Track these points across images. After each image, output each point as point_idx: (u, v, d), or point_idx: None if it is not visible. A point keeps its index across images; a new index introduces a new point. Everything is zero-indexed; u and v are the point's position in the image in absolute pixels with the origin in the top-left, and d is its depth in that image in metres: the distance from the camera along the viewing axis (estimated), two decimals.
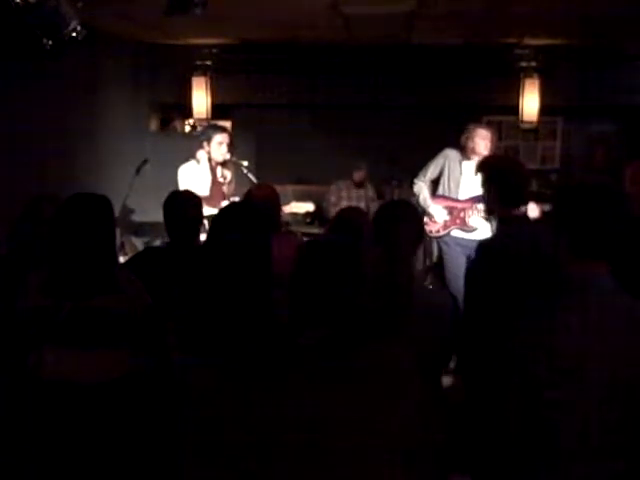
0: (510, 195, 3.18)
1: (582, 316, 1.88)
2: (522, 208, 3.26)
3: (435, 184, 5.55)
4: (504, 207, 3.19)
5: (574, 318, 1.88)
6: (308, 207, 5.32)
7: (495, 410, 1.98)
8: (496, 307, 2.69)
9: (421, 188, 5.47)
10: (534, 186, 7.52)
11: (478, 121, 7.20)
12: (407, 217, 2.89)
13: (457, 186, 5.35)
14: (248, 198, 3.67)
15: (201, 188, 4.69)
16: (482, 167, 3.45)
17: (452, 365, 3.05)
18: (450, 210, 5.37)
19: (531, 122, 7.25)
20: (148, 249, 4.08)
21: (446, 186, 5.41)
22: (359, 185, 7.02)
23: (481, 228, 5.17)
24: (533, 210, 3.59)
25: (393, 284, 2.59)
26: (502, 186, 3.19)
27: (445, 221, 5.37)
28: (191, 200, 3.49)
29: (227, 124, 7.97)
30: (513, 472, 1.96)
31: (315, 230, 6.58)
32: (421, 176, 5.50)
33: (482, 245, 3.26)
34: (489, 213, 3.45)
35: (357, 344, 1.80)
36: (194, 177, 5.06)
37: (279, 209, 3.72)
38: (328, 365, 1.78)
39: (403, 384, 1.79)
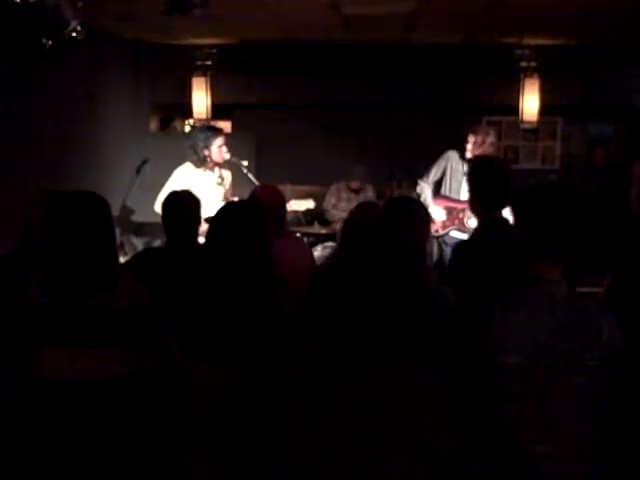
0: (488, 198, 3.20)
1: (520, 314, 1.94)
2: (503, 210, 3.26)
3: (438, 185, 5.59)
4: (483, 209, 3.22)
5: (513, 316, 1.94)
6: (308, 204, 5.31)
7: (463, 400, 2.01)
8: (465, 304, 2.71)
9: (424, 189, 5.54)
10: None
11: (478, 121, 7.23)
12: (420, 212, 2.91)
13: (459, 186, 5.40)
14: (252, 199, 3.66)
15: (197, 192, 4.67)
16: (469, 167, 3.52)
17: None
18: (449, 211, 5.42)
19: (531, 122, 7.24)
20: (148, 249, 4.08)
21: (448, 186, 5.48)
22: (357, 191, 7.01)
23: None
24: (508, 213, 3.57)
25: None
26: (480, 189, 3.21)
27: (443, 221, 5.41)
28: (189, 200, 3.50)
29: (227, 124, 7.99)
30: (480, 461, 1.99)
31: (315, 230, 6.57)
32: (424, 177, 5.58)
33: (457, 245, 3.31)
34: (472, 212, 3.48)
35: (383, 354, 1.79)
36: (190, 180, 5.04)
37: (285, 211, 3.71)
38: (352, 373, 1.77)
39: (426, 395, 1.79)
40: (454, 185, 5.43)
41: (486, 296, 2.04)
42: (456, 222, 5.36)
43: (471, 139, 5.22)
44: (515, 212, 2.07)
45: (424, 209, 3.14)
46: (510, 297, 1.98)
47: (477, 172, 3.33)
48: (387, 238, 2.72)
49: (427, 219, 3.04)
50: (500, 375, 1.92)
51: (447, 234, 5.41)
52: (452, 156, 5.45)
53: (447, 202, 5.43)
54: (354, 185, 6.95)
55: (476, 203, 3.27)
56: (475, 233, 3.40)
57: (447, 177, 5.47)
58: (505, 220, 3.28)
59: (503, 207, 3.23)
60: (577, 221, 1.97)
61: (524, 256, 1.98)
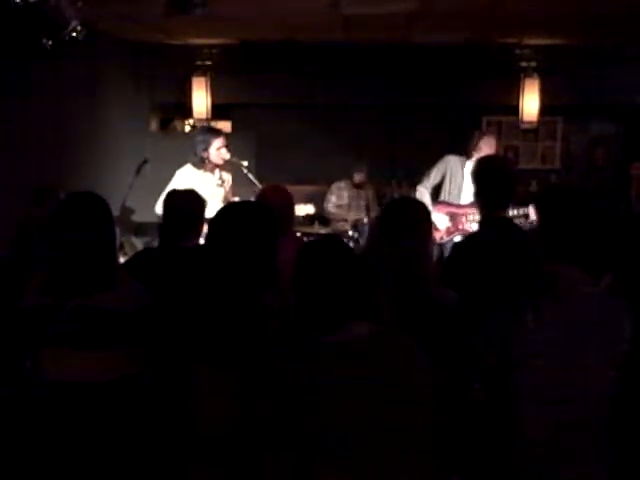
0: (491, 198, 3.17)
1: (538, 314, 1.96)
2: (507, 210, 3.24)
3: (437, 190, 5.54)
4: (485, 209, 3.20)
5: (530, 316, 1.96)
6: (308, 209, 5.29)
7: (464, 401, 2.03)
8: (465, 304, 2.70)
9: (423, 194, 5.45)
10: (534, 186, 7.54)
11: (478, 121, 7.22)
12: (424, 214, 2.89)
13: (459, 191, 5.35)
14: (261, 199, 3.62)
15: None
16: (473, 167, 3.50)
17: None
18: (452, 216, 5.34)
19: (531, 122, 7.26)
20: (145, 250, 4.05)
21: (448, 191, 5.41)
22: (359, 186, 7.01)
23: None
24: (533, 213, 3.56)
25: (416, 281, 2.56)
26: (483, 189, 3.19)
27: (447, 227, 5.35)
28: (186, 200, 3.39)
29: (227, 124, 7.99)
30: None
31: (316, 230, 6.57)
32: (424, 182, 5.50)
33: (455, 245, 3.28)
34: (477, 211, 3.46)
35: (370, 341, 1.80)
36: (191, 181, 5.02)
37: (293, 212, 3.69)
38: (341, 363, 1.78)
39: (418, 382, 1.79)
40: (454, 190, 5.36)
41: (511, 299, 2.04)
42: (460, 227, 5.30)
43: (491, 141, 5.19)
44: (539, 213, 2.09)
45: (426, 210, 3.10)
46: (541, 299, 1.98)
47: (482, 173, 3.29)
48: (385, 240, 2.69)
49: (429, 220, 3.00)
50: (532, 377, 1.93)
51: (451, 240, 5.35)
52: (452, 160, 5.39)
53: (448, 208, 5.36)
54: (358, 179, 6.93)
55: (480, 203, 3.25)
56: (476, 233, 3.37)
57: (446, 182, 5.40)
58: (508, 220, 3.26)
59: (506, 207, 3.21)
60: (594, 223, 2.00)
61: (544, 257, 2.00)
